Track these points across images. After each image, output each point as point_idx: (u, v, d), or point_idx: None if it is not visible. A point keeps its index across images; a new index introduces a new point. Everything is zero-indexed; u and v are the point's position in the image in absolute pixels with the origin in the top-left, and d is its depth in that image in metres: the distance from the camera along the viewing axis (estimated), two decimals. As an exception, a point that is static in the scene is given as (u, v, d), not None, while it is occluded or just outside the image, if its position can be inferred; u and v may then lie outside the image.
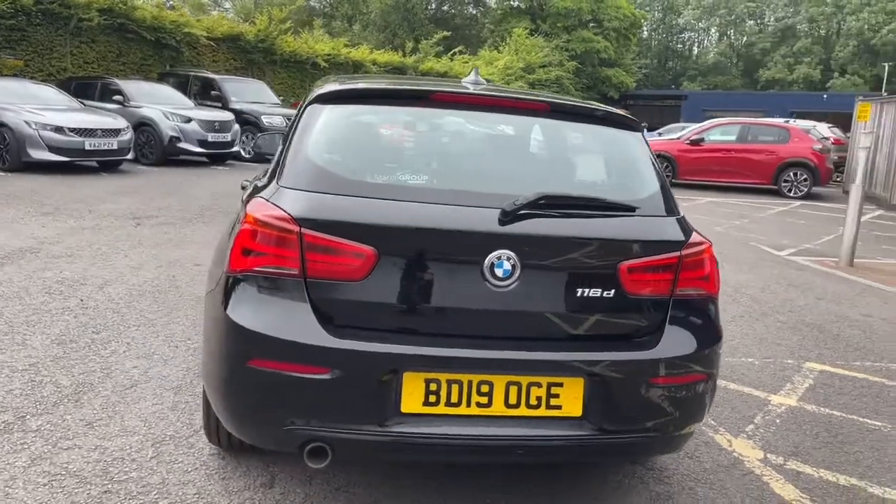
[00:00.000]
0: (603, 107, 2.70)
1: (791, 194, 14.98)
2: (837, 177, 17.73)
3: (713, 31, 73.19)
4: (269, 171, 2.63)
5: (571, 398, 2.25)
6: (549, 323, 2.29)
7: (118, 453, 2.87)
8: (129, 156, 11.90)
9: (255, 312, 2.21)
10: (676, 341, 2.34)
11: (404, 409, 2.19)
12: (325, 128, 2.46)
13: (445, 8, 44.65)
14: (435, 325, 2.25)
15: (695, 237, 2.45)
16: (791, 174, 14.92)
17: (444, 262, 2.24)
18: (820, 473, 3.12)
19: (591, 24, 41.17)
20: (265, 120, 15.36)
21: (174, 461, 2.84)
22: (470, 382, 2.20)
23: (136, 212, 8.34)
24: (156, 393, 3.46)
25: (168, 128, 13.16)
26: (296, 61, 22.76)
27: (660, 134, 19.24)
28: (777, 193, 15.24)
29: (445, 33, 31.63)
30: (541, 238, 2.25)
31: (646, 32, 63.56)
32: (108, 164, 11.95)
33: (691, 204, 12.99)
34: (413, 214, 2.22)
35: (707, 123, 16.45)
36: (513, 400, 2.22)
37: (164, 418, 3.20)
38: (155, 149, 13.20)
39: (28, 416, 3.13)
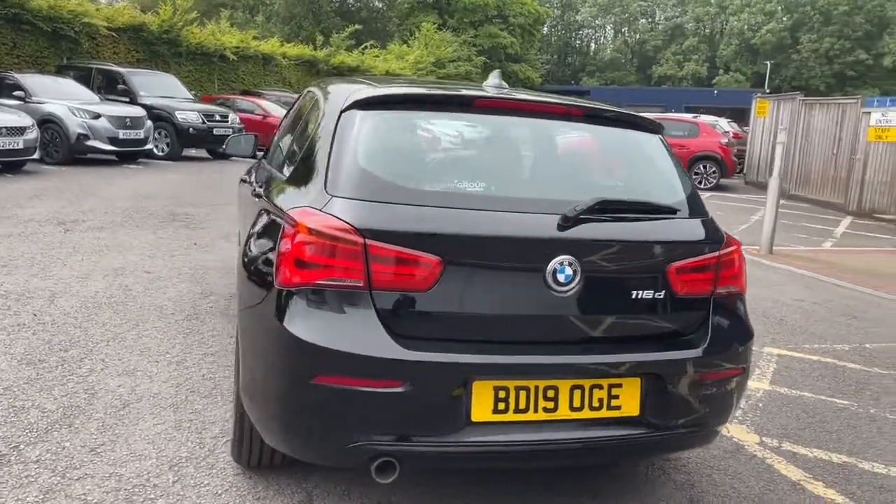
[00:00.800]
0: (627, 111, 2.77)
1: (701, 186, 15.84)
2: (738, 169, 18.87)
3: (609, 28, 76.04)
4: (303, 175, 2.52)
5: (630, 398, 2.32)
6: (608, 325, 2.35)
7: (136, 480, 2.70)
8: (35, 155, 11.09)
9: (320, 327, 2.14)
10: (721, 338, 2.46)
11: (474, 417, 2.19)
12: (370, 134, 2.40)
13: (351, 1, 44.09)
14: (501, 333, 2.25)
15: (727, 237, 2.58)
16: (701, 167, 15.79)
17: (508, 269, 2.25)
18: (813, 453, 3.35)
19: (497, 20, 41.83)
20: (179, 116, 14.67)
21: (200, 484, 2.71)
22: (537, 388, 2.23)
23: (60, 216, 7.80)
24: (153, 412, 3.28)
25: (75, 125, 12.34)
26: (202, 53, 21.89)
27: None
28: (688, 185, 16.06)
29: (357, 26, 31.26)
30: (599, 243, 2.30)
31: (546, 28, 65.15)
32: (11, 165, 11.07)
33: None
34: (477, 222, 2.21)
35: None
36: (577, 403, 2.27)
37: (171, 439, 3.04)
38: (61, 147, 12.36)
39: (22, 446, 2.89)
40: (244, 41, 23.73)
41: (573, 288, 2.25)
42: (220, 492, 2.67)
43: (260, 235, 2.60)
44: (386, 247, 2.14)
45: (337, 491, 2.72)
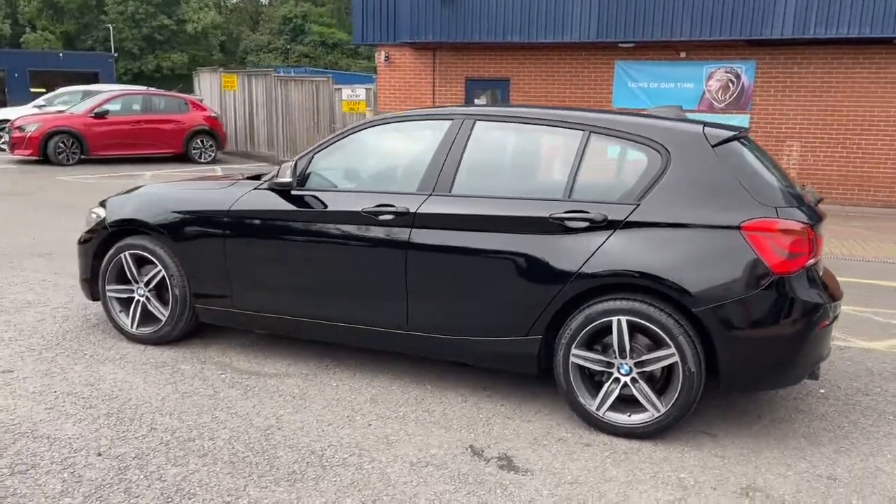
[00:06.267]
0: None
1: (202, 159, 16.12)
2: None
3: None
4: (699, 198, 3.36)
5: None
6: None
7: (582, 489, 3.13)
8: None
9: (816, 293, 3.35)
10: None
11: None
12: (752, 158, 3.58)
13: None
14: None
15: None
16: (199, 141, 16.02)
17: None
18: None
19: None
20: None
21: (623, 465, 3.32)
22: None
23: None
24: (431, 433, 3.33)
25: None
26: None
27: (39, 107, 16.55)
28: (188, 160, 16.07)
29: None
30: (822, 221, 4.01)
31: None
32: None
33: (117, 180, 12.74)
34: (809, 211, 3.55)
35: (106, 95, 15.48)
36: None
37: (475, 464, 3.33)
38: None
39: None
40: None
41: None
42: (628, 451, 3.37)
43: (692, 250, 3.34)
44: (816, 234, 3.44)
45: (704, 456, 3.67)
